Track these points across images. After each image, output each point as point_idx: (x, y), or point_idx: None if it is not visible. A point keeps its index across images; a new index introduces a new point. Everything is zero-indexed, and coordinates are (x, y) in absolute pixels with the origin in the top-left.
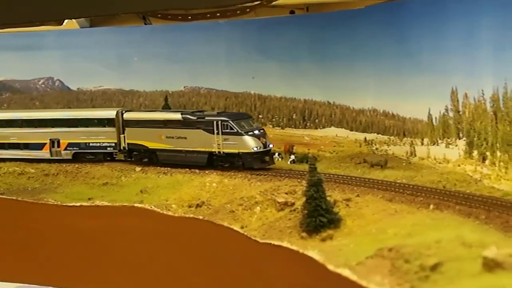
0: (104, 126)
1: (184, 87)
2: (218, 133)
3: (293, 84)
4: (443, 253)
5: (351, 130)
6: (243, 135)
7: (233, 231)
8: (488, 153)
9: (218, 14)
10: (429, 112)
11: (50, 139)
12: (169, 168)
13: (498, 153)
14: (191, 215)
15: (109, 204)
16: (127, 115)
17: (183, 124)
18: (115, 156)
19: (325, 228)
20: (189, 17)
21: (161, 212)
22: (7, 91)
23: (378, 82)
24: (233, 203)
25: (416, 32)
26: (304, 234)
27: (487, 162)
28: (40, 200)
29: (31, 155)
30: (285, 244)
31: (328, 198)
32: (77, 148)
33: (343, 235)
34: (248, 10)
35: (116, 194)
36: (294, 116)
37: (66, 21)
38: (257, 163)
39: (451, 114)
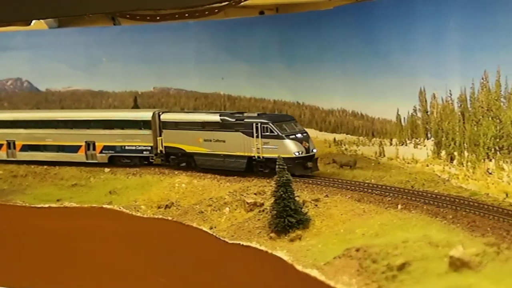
0: (140, 128)
1: (154, 87)
2: (257, 136)
3: (262, 85)
4: (410, 253)
5: (321, 131)
6: (283, 138)
7: (202, 231)
8: (456, 153)
9: (186, 15)
10: (397, 113)
11: (86, 142)
12: (138, 169)
13: (466, 153)
14: (160, 216)
15: (77, 205)
16: (165, 117)
17: (222, 126)
18: (151, 160)
19: (293, 229)
20: (158, 18)
21: (130, 213)
22: None
23: (347, 83)
24: (202, 204)
25: (384, 33)
26: (273, 235)
27: (455, 162)
28: (8, 201)
29: (66, 157)
30: (254, 244)
31: (297, 199)
32: (113, 152)
33: (311, 236)
34: (216, 11)
35: (85, 195)
36: None
37: (34, 21)
38: (298, 170)
39: (419, 114)
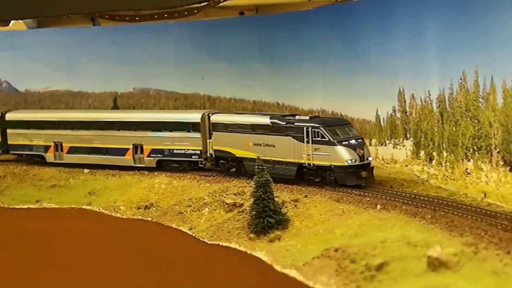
0: (189, 131)
1: (133, 88)
2: (308, 142)
3: (242, 85)
4: (388, 253)
5: None
6: (335, 144)
7: (181, 232)
8: (434, 153)
9: (165, 15)
10: (376, 113)
11: (133, 144)
12: (117, 170)
13: (445, 153)
14: (140, 217)
15: (57, 206)
16: (215, 118)
17: (272, 129)
18: (201, 165)
19: (273, 229)
20: (137, 18)
21: (109, 214)
22: None
23: (326, 83)
24: (181, 205)
25: (363, 33)
26: (252, 235)
27: (433, 162)
28: None
29: (113, 161)
30: (233, 245)
31: (276, 199)
32: (161, 155)
33: (290, 236)
34: (195, 11)
35: (64, 196)
36: None
37: (12, 21)
38: (351, 179)
39: (398, 114)
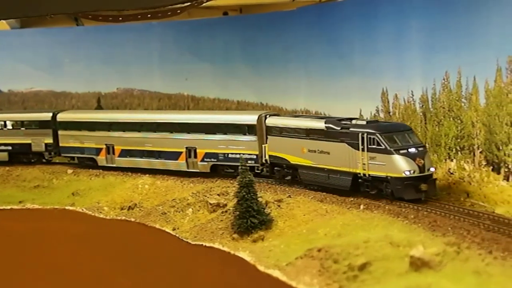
0: (245, 134)
1: (117, 88)
2: (363, 149)
3: (226, 85)
4: (371, 253)
5: None
6: (392, 153)
7: (165, 233)
8: None
9: (149, 16)
10: (360, 113)
11: (186, 148)
12: (101, 170)
13: None
14: (123, 217)
15: (40, 207)
16: (270, 121)
17: (326, 135)
18: (257, 171)
19: (256, 229)
20: (120, 18)
21: (93, 214)
22: None
23: (310, 83)
24: (165, 205)
25: (347, 33)
26: (235, 235)
27: None
28: None
29: (166, 165)
30: (216, 245)
31: (260, 199)
32: (215, 160)
33: (274, 236)
34: (178, 11)
35: (48, 197)
36: None
37: None
38: (409, 193)
39: (381, 115)
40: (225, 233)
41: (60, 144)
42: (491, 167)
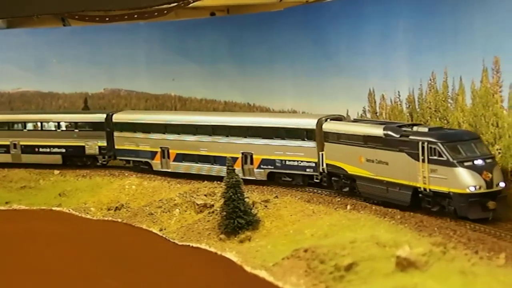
0: (303, 139)
1: (104, 89)
2: (423, 161)
3: (213, 86)
4: (357, 253)
5: None
6: (455, 166)
7: (151, 233)
8: None
9: (135, 16)
10: (347, 113)
11: (242, 153)
12: (88, 171)
13: None
14: (110, 218)
15: (26, 207)
16: (327, 126)
17: (384, 143)
18: (316, 180)
19: (243, 230)
20: (107, 19)
21: (80, 215)
22: None
23: (297, 84)
24: (152, 206)
25: (334, 34)
26: (222, 236)
27: None
28: None
29: (219, 171)
30: (203, 246)
31: (247, 200)
32: (272, 167)
33: (261, 237)
34: (165, 12)
35: (34, 198)
36: None
37: None
38: (474, 212)
39: (368, 115)
40: (212, 233)
41: (116, 146)
42: None
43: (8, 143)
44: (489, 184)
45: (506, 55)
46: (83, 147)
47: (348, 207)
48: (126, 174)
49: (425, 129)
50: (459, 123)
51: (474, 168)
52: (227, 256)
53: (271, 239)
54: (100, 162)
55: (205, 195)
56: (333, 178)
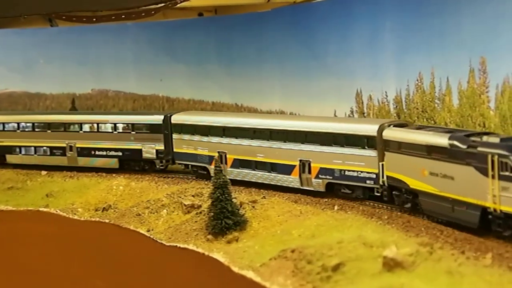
0: (364, 147)
1: (92, 89)
2: (493, 177)
3: (201, 86)
4: (344, 254)
5: None
6: None
7: (139, 234)
8: None
9: (123, 16)
10: (335, 114)
11: (300, 161)
12: (75, 172)
13: None
14: (97, 219)
15: (13, 208)
16: (388, 133)
17: (450, 154)
18: (377, 193)
19: (230, 230)
20: (94, 19)
21: (67, 216)
22: None
23: (285, 84)
24: (139, 206)
25: (321, 34)
26: (210, 237)
27: None
28: None
29: (279, 180)
30: (191, 246)
31: (234, 200)
32: (330, 177)
33: (248, 237)
34: (153, 12)
35: (21, 199)
36: None
37: None
38: None
39: (356, 115)
40: (200, 234)
41: (174, 150)
42: None
43: (64, 145)
44: None
45: (492, 56)
46: (140, 150)
47: (336, 207)
48: (114, 175)
49: (496, 140)
50: (446, 123)
51: None
52: (214, 256)
53: (259, 239)
54: (158, 166)
55: (193, 196)
56: (394, 192)
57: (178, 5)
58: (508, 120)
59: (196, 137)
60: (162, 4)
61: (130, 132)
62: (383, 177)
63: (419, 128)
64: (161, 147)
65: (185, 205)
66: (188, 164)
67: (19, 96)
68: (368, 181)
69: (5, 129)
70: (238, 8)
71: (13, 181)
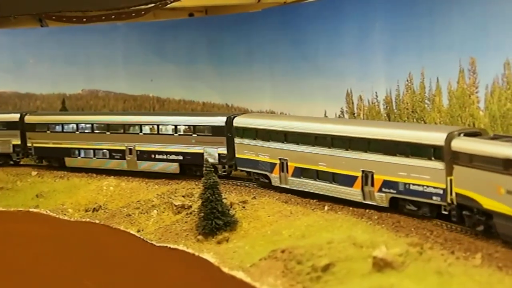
0: (430, 158)
1: (82, 89)
2: None
3: (191, 87)
4: (334, 254)
5: None
6: None
7: (129, 234)
8: None
9: (113, 17)
10: (325, 114)
11: (363, 171)
12: (65, 172)
13: None
14: (88, 219)
15: (3, 209)
16: (457, 144)
17: None
18: (445, 211)
19: (221, 231)
20: (84, 20)
21: (57, 216)
22: None
23: (275, 84)
24: (130, 207)
25: (311, 35)
26: (200, 237)
27: None
28: None
29: (340, 193)
30: (181, 247)
31: (225, 201)
32: (394, 191)
33: (238, 237)
34: (143, 12)
35: (11, 199)
36: None
37: None
38: None
39: (346, 116)
40: (190, 234)
41: (236, 155)
42: None
43: (123, 148)
44: None
45: (482, 56)
46: (202, 154)
47: (326, 208)
48: (104, 176)
49: None
50: (436, 123)
51: None
52: (204, 257)
53: (249, 240)
54: (220, 172)
55: (183, 196)
56: (464, 212)
57: (169, 5)
58: (497, 121)
59: (258, 142)
60: (153, 5)
61: (191, 135)
62: (451, 194)
63: (495, 138)
64: (224, 151)
65: (175, 205)
66: (250, 171)
67: (9, 96)
68: (434, 197)
69: (64, 130)
70: (229, 8)
71: (3, 182)
